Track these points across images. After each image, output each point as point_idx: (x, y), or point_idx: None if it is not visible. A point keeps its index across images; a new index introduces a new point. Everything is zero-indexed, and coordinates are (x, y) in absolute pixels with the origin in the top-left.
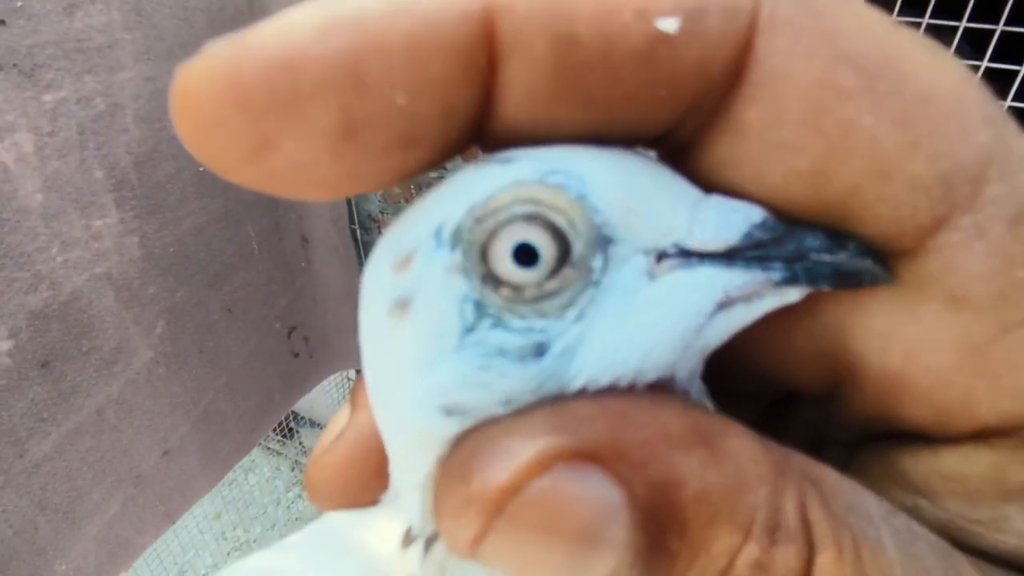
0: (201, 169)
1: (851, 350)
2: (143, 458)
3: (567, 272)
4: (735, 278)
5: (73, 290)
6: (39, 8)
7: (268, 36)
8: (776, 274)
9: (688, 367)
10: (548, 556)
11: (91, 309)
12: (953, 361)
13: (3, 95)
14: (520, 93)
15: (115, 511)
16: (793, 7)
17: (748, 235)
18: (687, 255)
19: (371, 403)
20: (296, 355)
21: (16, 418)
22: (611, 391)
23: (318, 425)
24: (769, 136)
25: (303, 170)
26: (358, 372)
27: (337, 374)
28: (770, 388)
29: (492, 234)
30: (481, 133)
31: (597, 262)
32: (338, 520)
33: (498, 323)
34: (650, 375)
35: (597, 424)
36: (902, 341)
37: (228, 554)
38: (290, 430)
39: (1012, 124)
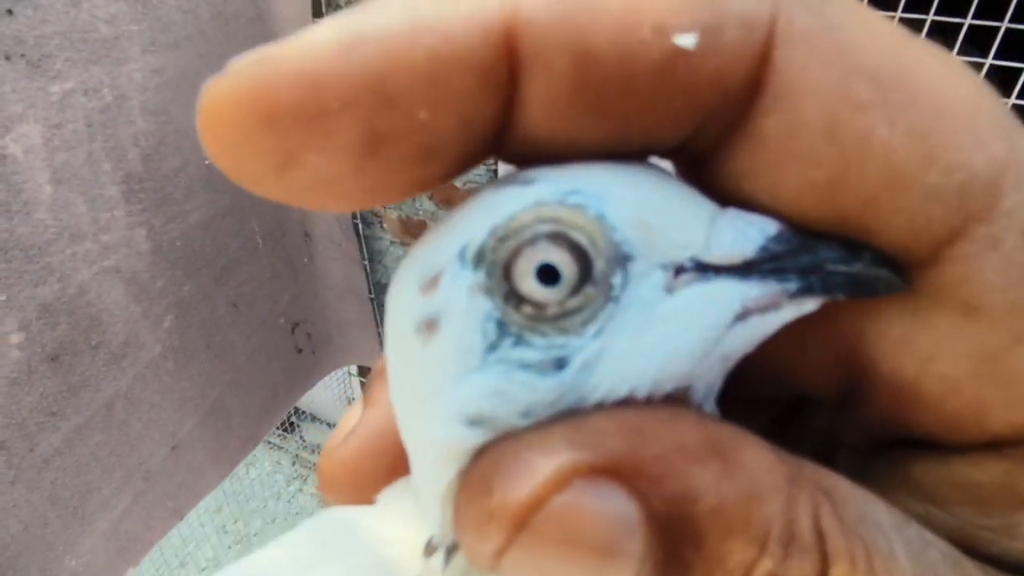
0: (207, 163)
1: (865, 357)
2: (152, 453)
3: (588, 290)
4: (751, 290)
5: (82, 283)
6: None
7: (293, 53)
8: (792, 285)
9: (707, 380)
10: (568, 570)
11: (100, 302)
12: (966, 370)
13: (11, 85)
14: (540, 107)
15: (124, 507)
16: (809, 20)
17: (764, 248)
18: (704, 269)
19: (396, 416)
20: (299, 351)
21: (26, 412)
22: (629, 403)
23: (319, 420)
24: (786, 147)
25: (327, 184)
26: (359, 368)
27: (338, 369)
28: (784, 394)
29: (515, 253)
30: (500, 145)
31: (617, 279)
32: (341, 518)
33: (520, 341)
34: (667, 386)
35: (614, 439)
36: (916, 350)
37: (228, 547)
38: (291, 424)
39: None
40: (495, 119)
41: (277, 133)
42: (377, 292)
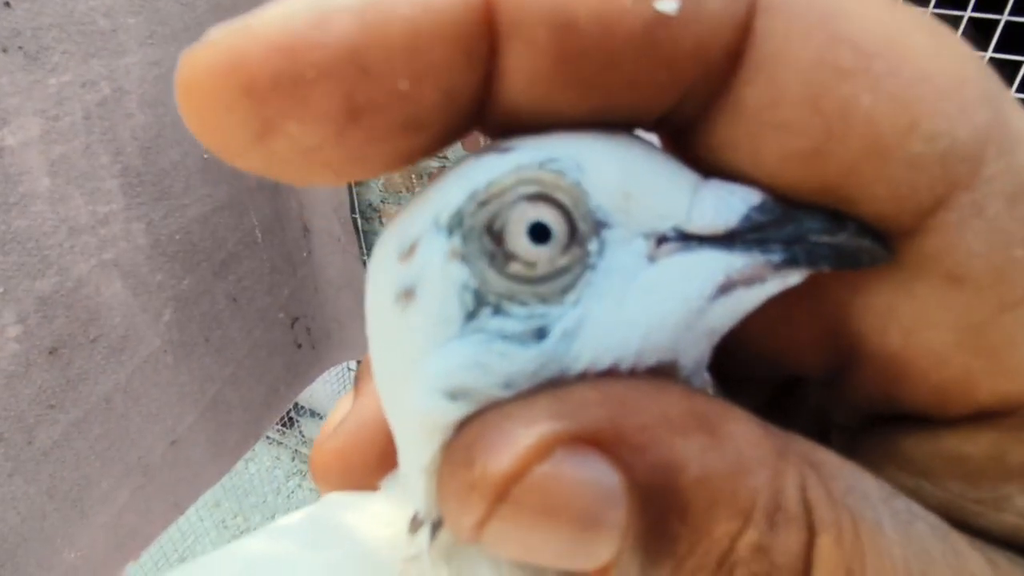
0: (206, 156)
1: (852, 330)
2: (151, 447)
3: (575, 250)
4: (735, 261)
5: (80, 276)
6: None
7: (269, 22)
8: (776, 256)
9: (693, 354)
10: (550, 540)
11: (98, 296)
12: (952, 340)
13: (8, 78)
14: (521, 78)
15: (124, 500)
16: None
17: (747, 218)
18: (687, 239)
19: (378, 390)
20: (299, 346)
21: (24, 404)
22: (612, 375)
23: (318, 415)
24: (768, 117)
25: (307, 154)
26: (359, 363)
27: (337, 365)
28: (775, 373)
29: (496, 216)
30: (483, 117)
31: (593, 245)
32: (335, 503)
33: (498, 310)
34: (651, 358)
35: (597, 408)
36: (901, 321)
37: (228, 542)
38: (290, 420)
39: (1013, 102)
40: (476, 91)
41: (254, 101)
42: None
